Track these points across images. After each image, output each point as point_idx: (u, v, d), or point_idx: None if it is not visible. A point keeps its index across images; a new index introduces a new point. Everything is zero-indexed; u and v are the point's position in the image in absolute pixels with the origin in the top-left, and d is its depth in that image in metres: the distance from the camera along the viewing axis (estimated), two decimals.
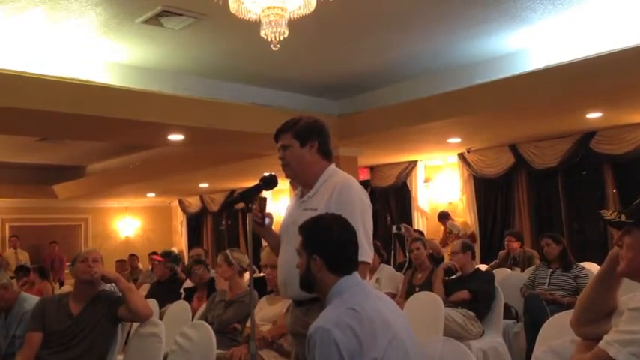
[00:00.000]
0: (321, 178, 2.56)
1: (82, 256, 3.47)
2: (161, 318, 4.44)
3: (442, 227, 9.62)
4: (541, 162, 8.88)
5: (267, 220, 2.66)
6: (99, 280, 3.45)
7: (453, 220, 9.58)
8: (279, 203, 12.68)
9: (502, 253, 7.56)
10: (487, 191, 9.78)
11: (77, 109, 5.90)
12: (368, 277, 3.51)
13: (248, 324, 3.51)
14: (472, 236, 9.14)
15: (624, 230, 1.64)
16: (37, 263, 9.30)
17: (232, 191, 13.59)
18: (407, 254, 6.33)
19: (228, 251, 4.56)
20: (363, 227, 2.39)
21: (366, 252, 2.35)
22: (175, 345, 3.45)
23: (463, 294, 4.83)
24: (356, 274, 2.14)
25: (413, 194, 10.56)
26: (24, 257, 11.33)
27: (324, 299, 2.12)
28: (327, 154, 2.62)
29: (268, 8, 4.03)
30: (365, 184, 10.46)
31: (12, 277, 5.59)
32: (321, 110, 7.78)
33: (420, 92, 7.13)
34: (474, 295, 4.81)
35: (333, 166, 2.62)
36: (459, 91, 6.74)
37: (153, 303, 4.90)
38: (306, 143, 2.56)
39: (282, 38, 4.14)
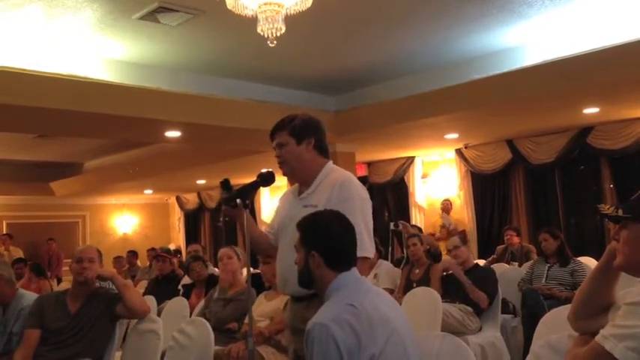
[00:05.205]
0: (320, 174, 2.56)
1: (77, 256, 3.47)
2: (159, 315, 4.45)
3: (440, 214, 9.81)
4: (538, 157, 8.89)
5: (238, 201, 2.55)
6: (92, 280, 3.46)
7: (449, 214, 9.65)
8: (276, 200, 12.69)
9: (500, 248, 7.58)
10: (484, 187, 9.80)
11: (74, 106, 5.90)
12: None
13: (246, 320, 3.52)
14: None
15: (622, 224, 1.65)
16: (33, 260, 9.27)
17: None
18: (404, 250, 6.34)
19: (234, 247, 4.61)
20: (364, 222, 2.40)
21: (367, 247, 2.36)
22: (173, 342, 3.45)
23: (482, 295, 4.73)
24: (354, 271, 2.14)
25: (410, 190, 10.56)
26: (18, 254, 11.29)
27: (322, 296, 2.12)
28: (323, 151, 2.62)
29: (265, 4, 4.03)
30: (362, 180, 10.45)
31: None
32: (318, 106, 7.78)
33: (417, 88, 7.13)
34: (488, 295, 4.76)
35: (330, 162, 2.62)
36: (456, 86, 6.74)
37: (150, 300, 4.91)
38: (303, 141, 2.56)
39: (278, 34, 4.14)
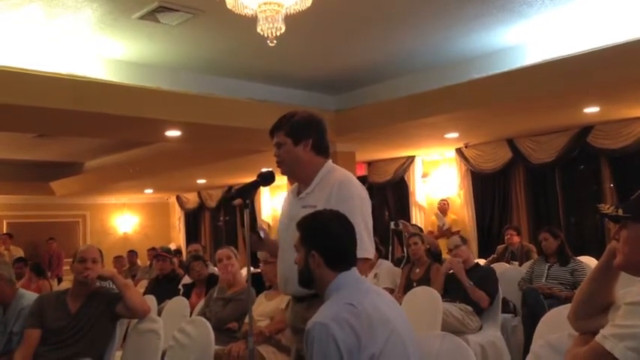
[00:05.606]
0: (319, 175, 2.54)
1: (81, 256, 3.47)
2: (159, 314, 4.46)
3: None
4: (538, 156, 8.89)
5: (261, 233, 2.65)
6: (93, 280, 3.46)
7: (444, 215, 9.66)
8: (276, 199, 12.69)
9: (500, 247, 7.57)
10: (485, 186, 9.80)
11: (74, 106, 5.89)
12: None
13: (246, 320, 3.52)
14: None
15: (621, 224, 1.65)
16: (34, 260, 9.27)
17: (230, 187, 13.59)
18: (405, 250, 6.35)
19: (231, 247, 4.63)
20: (364, 223, 2.39)
21: (367, 248, 2.35)
22: (174, 341, 3.45)
23: (483, 295, 4.74)
24: (354, 270, 2.13)
25: (410, 189, 10.56)
26: (18, 253, 11.28)
27: (322, 295, 2.12)
28: (322, 150, 2.59)
29: (265, 4, 4.03)
30: (362, 179, 10.46)
31: None
32: (318, 106, 7.77)
33: (418, 87, 7.13)
34: (489, 294, 4.77)
35: (330, 162, 2.60)
36: (456, 86, 6.74)
37: (151, 299, 4.91)
38: (300, 141, 2.54)
39: (278, 34, 4.14)
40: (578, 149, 8.49)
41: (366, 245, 2.32)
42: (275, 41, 4.18)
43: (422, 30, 5.90)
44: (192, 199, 15.08)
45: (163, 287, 6.13)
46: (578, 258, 5.49)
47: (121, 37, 5.71)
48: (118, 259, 10.51)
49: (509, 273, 5.88)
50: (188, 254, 7.33)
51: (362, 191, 2.50)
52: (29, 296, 3.69)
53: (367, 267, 2.44)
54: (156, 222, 15.69)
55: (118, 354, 3.57)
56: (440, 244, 7.69)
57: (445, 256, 6.52)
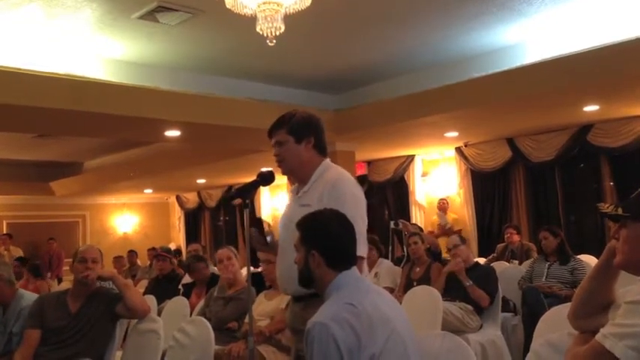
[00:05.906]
0: (315, 173, 2.55)
1: (81, 256, 3.47)
2: (159, 314, 4.45)
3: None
4: (538, 155, 8.89)
5: (268, 239, 2.66)
6: (94, 280, 3.46)
7: (445, 214, 9.66)
8: (276, 199, 12.69)
9: (500, 246, 7.58)
10: (484, 185, 9.79)
11: (73, 106, 5.89)
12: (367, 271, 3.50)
13: (246, 320, 3.52)
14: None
15: (621, 223, 1.65)
16: (34, 260, 9.27)
17: (230, 187, 13.59)
18: (405, 249, 6.35)
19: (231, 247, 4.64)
20: (357, 222, 2.39)
21: (360, 247, 2.35)
22: (174, 341, 3.45)
23: (483, 294, 4.74)
24: (354, 270, 2.13)
25: (410, 188, 10.55)
26: (18, 254, 11.27)
27: (322, 295, 2.12)
28: (322, 150, 2.61)
29: (264, 3, 4.04)
30: (362, 178, 10.46)
31: None
32: (318, 105, 7.77)
33: (417, 86, 7.13)
34: (489, 293, 4.77)
35: (327, 160, 2.61)
36: (456, 85, 6.74)
37: (151, 299, 4.91)
38: (302, 139, 2.55)
39: (278, 33, 4.14)
40: (577, 148, 8.48)
41: (359, 244, 2.32)
42: (274, 41, 4.19)
43: (422, 29, 5.90)
44: (192, 198, 15.08)
45: (163, 287, 6.12)
46: (578, 257, 5.48)
47: (121, 37, 5.71)
48: (117, 259, 10.51)
49: (509, 272, 5.87)
50: (188, 254, 7.33)
51: (356, 190, 2.50)
52: (29, 297, 3.69)
53: (362, 265, 2.44)
54: (156, 222, 15.68)
55: (118, 354, 3.57)
56: (441, 243, 7.69)
57: (445, 255, 6.52)
